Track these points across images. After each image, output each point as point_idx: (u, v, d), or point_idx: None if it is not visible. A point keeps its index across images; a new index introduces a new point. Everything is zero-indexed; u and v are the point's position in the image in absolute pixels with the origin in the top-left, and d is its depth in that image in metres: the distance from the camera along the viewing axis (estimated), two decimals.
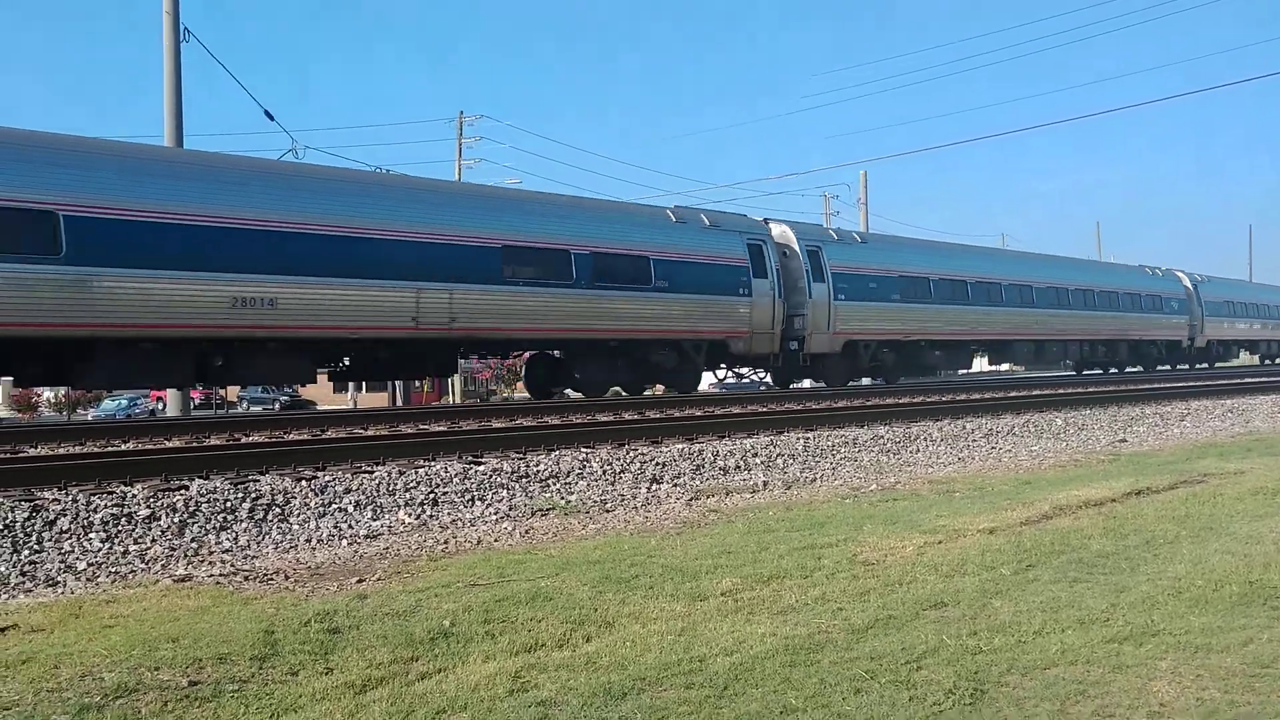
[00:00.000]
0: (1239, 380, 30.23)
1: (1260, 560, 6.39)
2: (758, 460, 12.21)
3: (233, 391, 70.57)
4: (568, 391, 23.88)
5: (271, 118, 25.60)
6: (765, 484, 11.10)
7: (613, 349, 21.95)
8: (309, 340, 16.87)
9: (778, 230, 25.51)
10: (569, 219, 21.01)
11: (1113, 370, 40.37)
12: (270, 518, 8.33)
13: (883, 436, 14.41)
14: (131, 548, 7.39)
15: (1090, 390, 24.51)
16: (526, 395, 25.20)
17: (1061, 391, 24.02)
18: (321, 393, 78.08)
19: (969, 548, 7.05)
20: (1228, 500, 8.95)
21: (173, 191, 15.42)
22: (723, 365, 26.41)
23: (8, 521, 7.36)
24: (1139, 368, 40.84)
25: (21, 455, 10.95)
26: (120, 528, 7.64)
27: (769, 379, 28.59)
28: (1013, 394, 23.21)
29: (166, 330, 15.12)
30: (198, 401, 61.77)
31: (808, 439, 13.61)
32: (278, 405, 68.86)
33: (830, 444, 13.51)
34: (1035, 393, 23.81)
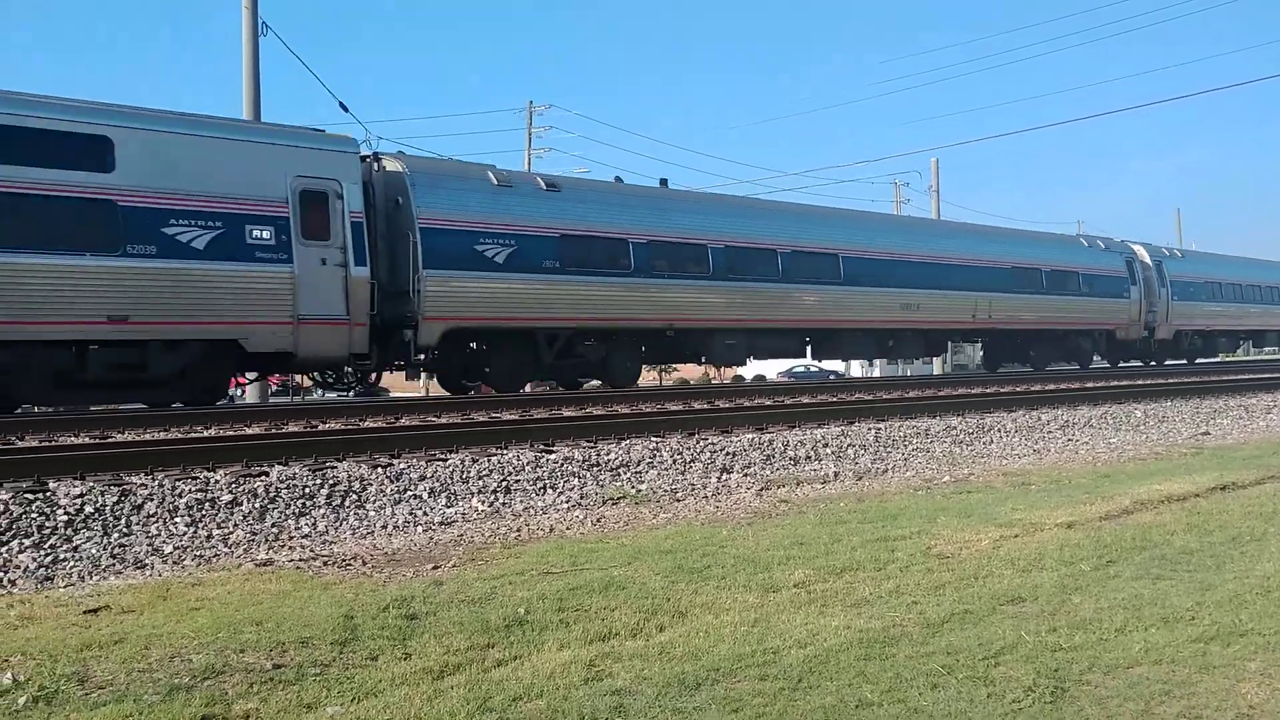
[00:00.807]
0: None
1: None
2: (828, 450, 12.12)
3: (306, 379, 72.32)
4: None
5: (346, 109, 26.05)
6: (836, 474, 11.03)
7: (1059, 334, 31.57)
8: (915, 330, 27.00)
9: (1138, 249, 34.46)
10: (1039, 247, 31.62)
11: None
12: (348, 504, 8.48)
13: (955, 427, 14.22)
14: (215, 532, 7.58)
15: (1171, 381, 23.90)
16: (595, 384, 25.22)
17: (1141, 383, 23.48)
18: (394, 379, 79.70)
19: (1046, 542, 6.94)
20: None
21: (882, 238, 26.12)
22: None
23: (98, 505, 7.59)
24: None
25: (110, 440, 11.28)
26: (204, 512, 7.84)
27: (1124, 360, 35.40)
28: (1089, 385, 22.73)
29: (861, 324, 25.10)
30: (275, 389, 63.30)
31: (879, 429, 13.48)
32: (351, 393, 70.29)
33: (902, 434, 13.37)
34: (1113, 383, 23.30)
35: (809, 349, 25.48)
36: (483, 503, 8.98)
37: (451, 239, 18.12)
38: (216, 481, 8.42)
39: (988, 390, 21.06)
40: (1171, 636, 4.73)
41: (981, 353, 36.08)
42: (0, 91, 14.24)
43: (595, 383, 22.53)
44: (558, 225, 19.64)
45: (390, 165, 18.45)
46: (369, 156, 18.39)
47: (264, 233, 15.72)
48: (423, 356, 18.88)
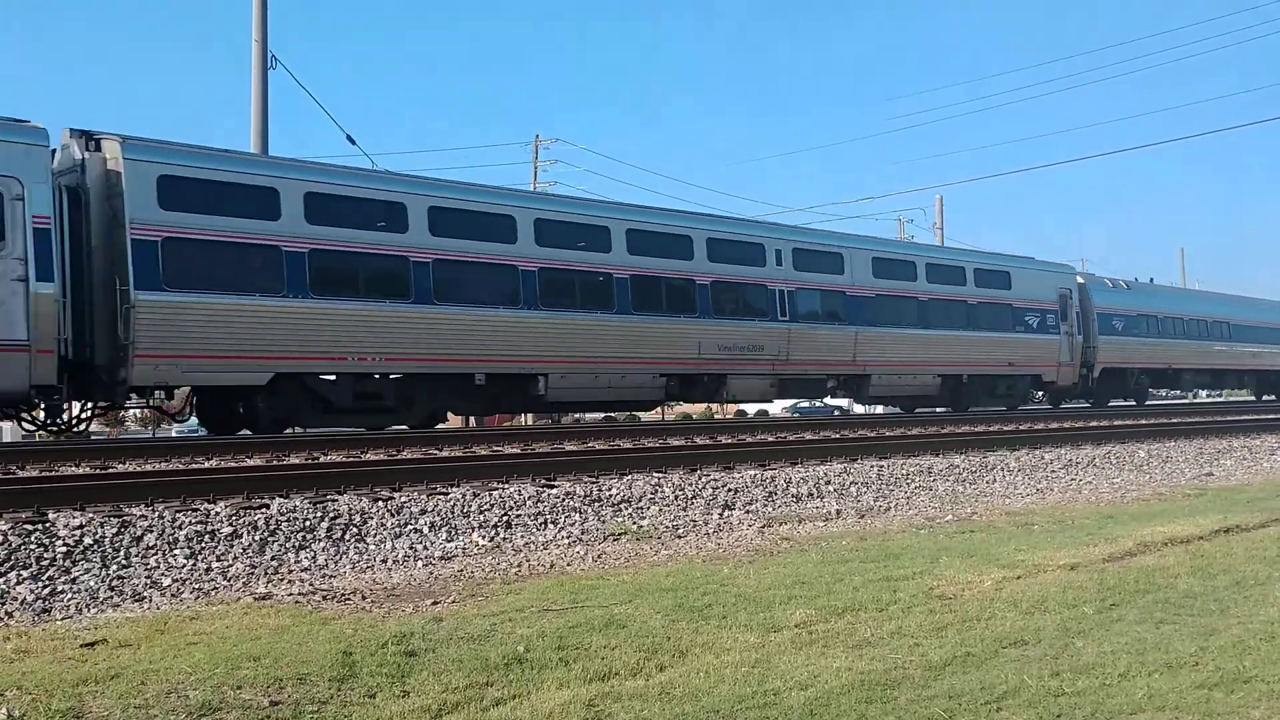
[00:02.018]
0: None
1: None
2: (831, 488, 12.09)
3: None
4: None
5: (354, 142, 26.10)
6: (838, 512, 10.99)
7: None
8: None
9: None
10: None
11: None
12: (348, 537, 8.46)
13: (958, 465, 14.19)
14: (214, 565, 7.56)
15: (1174, 421, 23.86)
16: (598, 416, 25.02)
17: (1145, 422, 23.44)
18: None
19: (1049, 584, 6.90)
20: None
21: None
22: None
23: (98, 537, 7.58)
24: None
25: (111, 471, 11.28)
26: (204, 545, 7.82)
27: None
28: (1093, 424, 22.70)
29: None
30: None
31: (881, 467, 13.45)
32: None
33: (904, 472, 13.34)
34: (1117, 423, 23.27)
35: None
36: (483, 537, 8.95)
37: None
38: (217, 513, 8.40)
39: (991, 428, 21.03)
40: (1175, 682, 4.69)
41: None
42: None
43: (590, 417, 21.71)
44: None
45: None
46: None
47: None
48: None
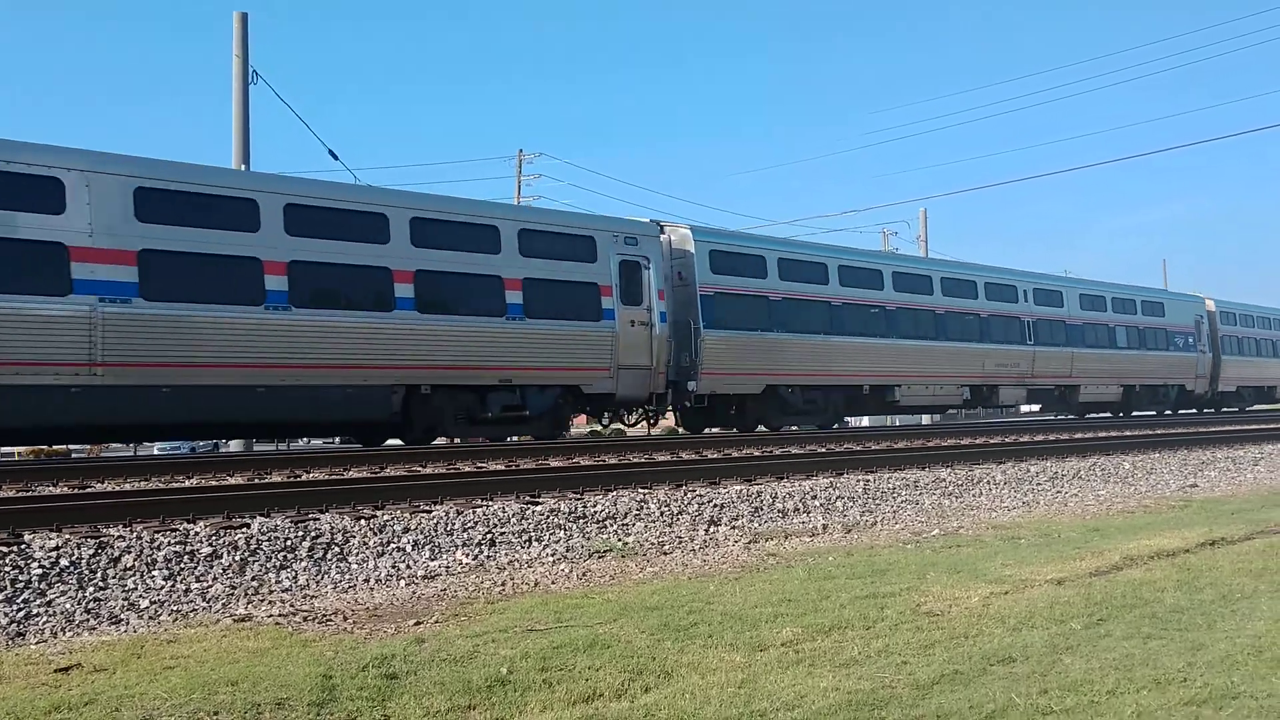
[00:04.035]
0: None
1: None
2: (817, 503, 12.05)
3: None
4: None
5: (336, 157, 25.94)
6: (825, 527, 10.94)
7: None
8: None
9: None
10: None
11: None
12: (329, 557, 8.37)
13: (944, 479, 14.17)
14: (193, 586, 7.45)
15: (1159, 433, 23.92)
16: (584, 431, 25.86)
17: (1129, 434, 23.50)
18: None
19: (1037, 599, 6.87)
20: None
21: None
22: None
23: (74, 558, 7.47)
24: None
25: (89, 490, 11.15)
26: (183, 565, 7.72)
27: None
28: (1078, 435, 22.75)
29: None
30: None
31: (867, 481, 13.42)
32: (337, 440, 69.65)
33: (890, 486, 13.31)
34: (1102, 434, 23.33)
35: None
36: (467, 555, 8.86)
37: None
38: (196, 533, 8.30)
39: (976, 441, 21.03)
40: (1163, 699, 4.65)
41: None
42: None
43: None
44: None
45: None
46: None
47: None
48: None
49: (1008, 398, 30.24)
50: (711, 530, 10.43)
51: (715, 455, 16.60)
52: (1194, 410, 38.51)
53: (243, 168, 22.08)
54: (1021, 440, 21.50)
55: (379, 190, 18.81)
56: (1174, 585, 7.29)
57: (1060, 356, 31.08)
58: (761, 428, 23.92)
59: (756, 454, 17.11)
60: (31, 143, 14.68)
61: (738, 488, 12.27)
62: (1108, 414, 34.50)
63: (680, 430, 25.36)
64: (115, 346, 14.43)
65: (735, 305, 22.84)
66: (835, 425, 25.85)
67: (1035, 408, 38.69)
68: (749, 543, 9.93)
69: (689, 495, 11.52)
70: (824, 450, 17.76)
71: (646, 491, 11.57)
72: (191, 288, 15.18)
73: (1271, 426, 26.47)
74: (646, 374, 20.76)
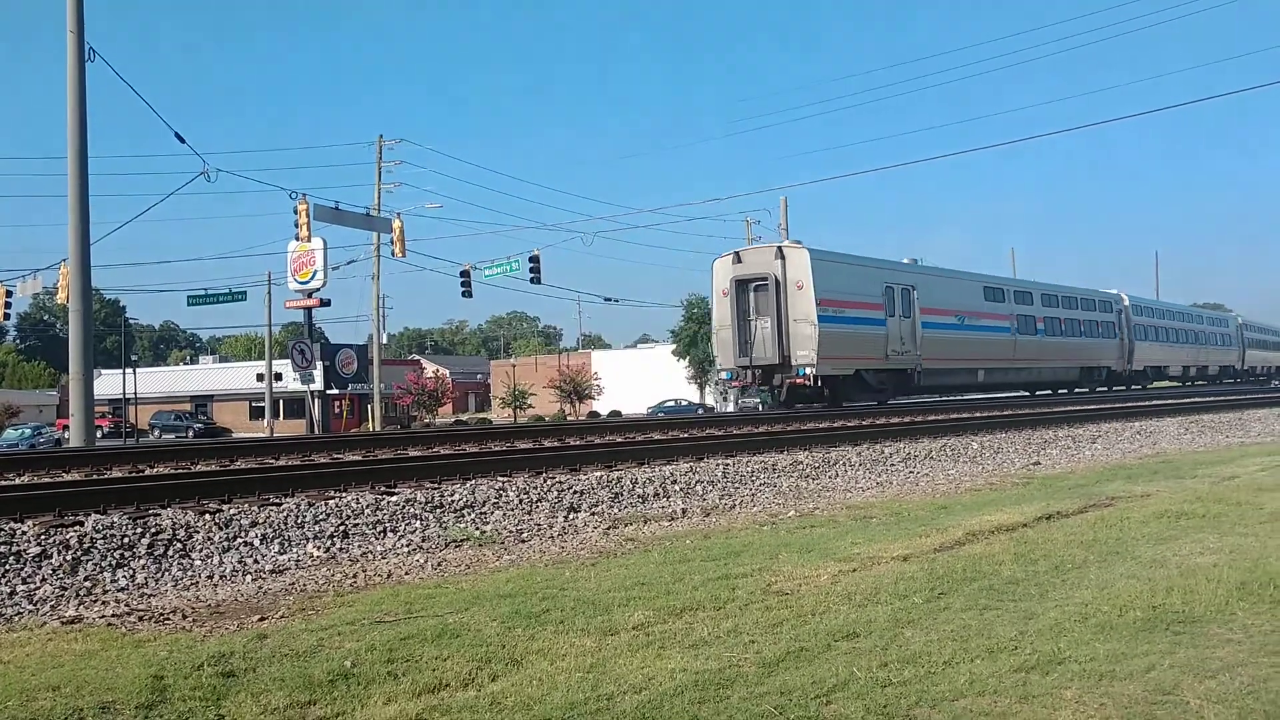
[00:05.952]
0: (1149, 403, 31.08)
1: (1163, 585, 6.48)
2: (677, 487, 12.15)
3: (144, 419, 68.96)
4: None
5: (183, 140, 24.76)
6: (684, 511, 11.04)
7: None
8: None
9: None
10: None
11: None
12: (171, 554, 8.03)
13: (802, 462, 14.46)
14: (19, 588, 7.05)
15: (1006, 414, 24.95)
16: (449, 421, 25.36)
17: (980, 415, 24.42)
18: (238, 419, 76.46)
19: (883, 576, 7.06)
20: (1134, 524, 9.11)
21: None
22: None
23: None
24: None
25: None
26: (7, 567, 7.29)
27: None
28: (931, 418, 23.53)
29: None
30: (106, 430, 59.97)
31: (727, 465, 13.60)
32: (190, 433, 67.19)
33: (750, 470, 13.52)
34: (953, 416, 24.18)
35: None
36: (319, 548, 8.63)
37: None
38: (23, 533, 7.85)
39: (834, 425, 21.53)
40: (995, 667, 4.82)
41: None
42: None
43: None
44: None
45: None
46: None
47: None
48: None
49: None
50: (571, 517, 10.41)
51: (577, 442, 16.58)
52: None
53: (79, 154, 20.96)
54: (878, 422, 22.10)
55: (1037, 283, 38.35)
56: (1011, 558, 7.59)
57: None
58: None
59: (619, 440, 17.15)
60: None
61: (598, 474, 12.27)
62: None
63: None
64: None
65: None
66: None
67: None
68: (608, 528, 9.95)
69: (549, 482, 11.47)
70: (686, 436, 17.93)
71: (506, 479, 11.47)
72: (1027, 329, 35.52)
73: (1108, 406, 27.93)
74: None
